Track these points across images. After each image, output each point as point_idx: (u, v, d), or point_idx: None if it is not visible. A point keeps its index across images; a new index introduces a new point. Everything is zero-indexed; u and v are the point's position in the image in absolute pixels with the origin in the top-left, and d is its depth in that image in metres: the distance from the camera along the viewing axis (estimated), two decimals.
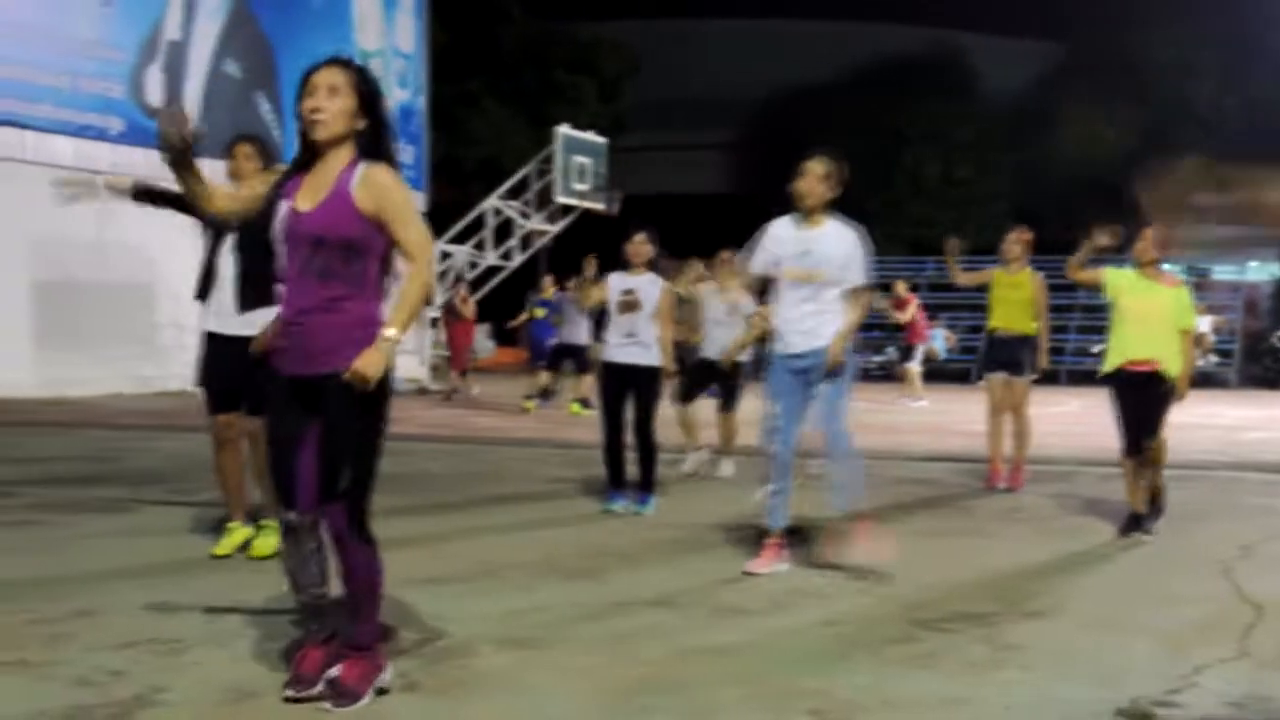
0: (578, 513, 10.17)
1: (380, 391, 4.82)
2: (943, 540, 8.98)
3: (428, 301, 4.98)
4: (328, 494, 4.80)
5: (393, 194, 4.85)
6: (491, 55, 42.00)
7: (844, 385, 7.76)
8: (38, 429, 16.86)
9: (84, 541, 8.74)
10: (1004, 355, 11.93)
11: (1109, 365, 9.52)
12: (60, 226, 22.70)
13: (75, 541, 8.73)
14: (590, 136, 33.96)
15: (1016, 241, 12.02)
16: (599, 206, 33.60)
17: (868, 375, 24.26)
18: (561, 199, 32.62)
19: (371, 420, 4.85)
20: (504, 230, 33.12)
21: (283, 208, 4.91)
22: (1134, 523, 9.38)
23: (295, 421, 4.92)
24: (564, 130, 32.82)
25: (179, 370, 23.27)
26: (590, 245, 31.34)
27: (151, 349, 23.65)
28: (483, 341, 36.87)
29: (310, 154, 4.95)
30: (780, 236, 7.86)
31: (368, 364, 4.67)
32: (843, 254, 7.71)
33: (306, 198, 4.88)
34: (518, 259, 33.20)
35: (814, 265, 7.68)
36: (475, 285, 31.08)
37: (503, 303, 35.22)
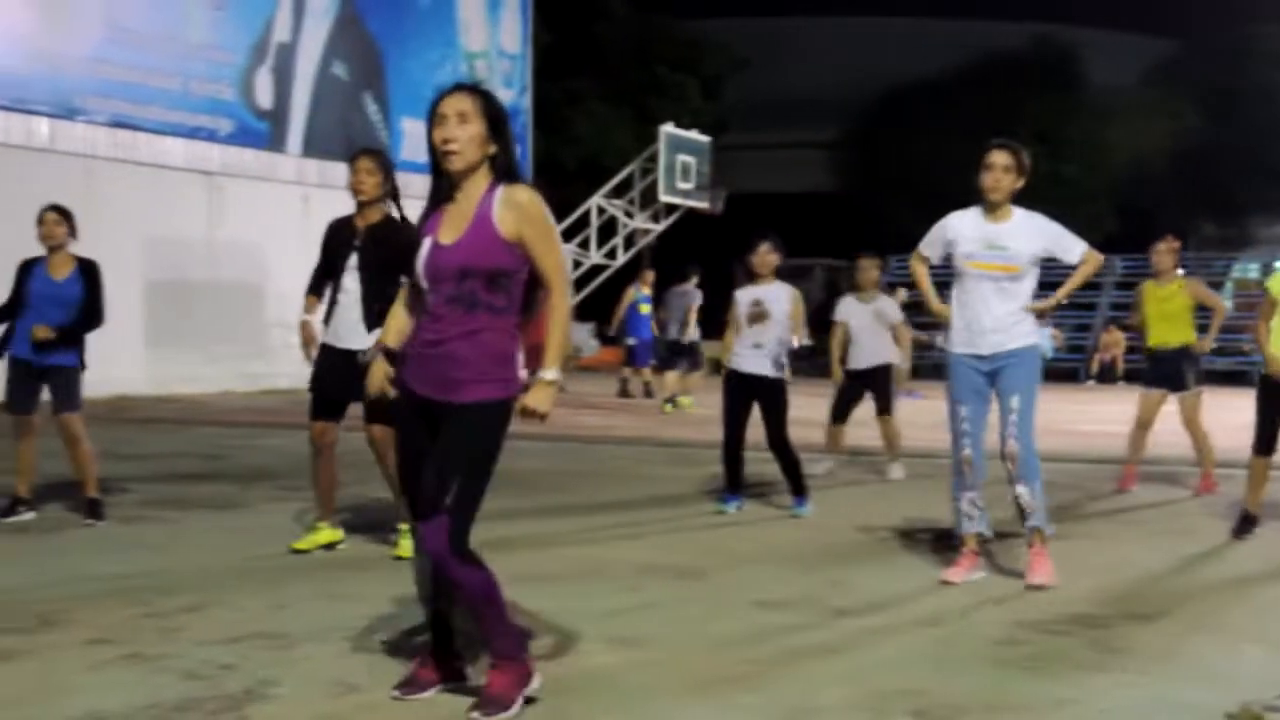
0: (683, 512, 10.17)
1: (503, 421, 4.86)
2: (1052, 542, 8.87)
3: None
4: (430, 509, 4.75)
5: (536, 217, 4.82)
6: (595, 54, 42.07)
7: (1034, 397, 7.48)
8: (150, 426, 17.13)
9: (194, 537, 8.89)
10: (1166, 371, 11.53)
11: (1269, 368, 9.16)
12: (172, 227, 23.14)
13: (186, 537, 8.88)
14: (694, 135, 33.93)
15: (1167, 252, 11.58)
16: (703, 205, 33.58)
17: None
18: (665, 198, 32.62)
19: (488, 446, 4.85)
20: (608, 229, 33.19)
21: (425, 245, 4.86)
22: (1248, 523, 9.23)
23: (424, 437, 4.91)
24: (667, 129, 32.82)
25: (287, 368, 23.55)
26: (694, 244, 31.48)
27: (260, 347, 23.97)
28: (587, 340, 36.95)
29: (448, 185, 4.90)
30: (963, 229, 7.55)
31: (539, 401, 4.76)
32: (1041, 241, 7.42)
33: (449, 231, 4.84)
34: (621, 258, 33.25)
35: (1008, 259, 7.37)
36: (579, 284, 31.17)
37: (607, 302, 35.33)
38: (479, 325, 4.78)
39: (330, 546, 8.18)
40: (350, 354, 7.84)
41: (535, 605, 6.50)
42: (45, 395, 9.30)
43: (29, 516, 9.31)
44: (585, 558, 8.09)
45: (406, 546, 7.94)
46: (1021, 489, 7.48)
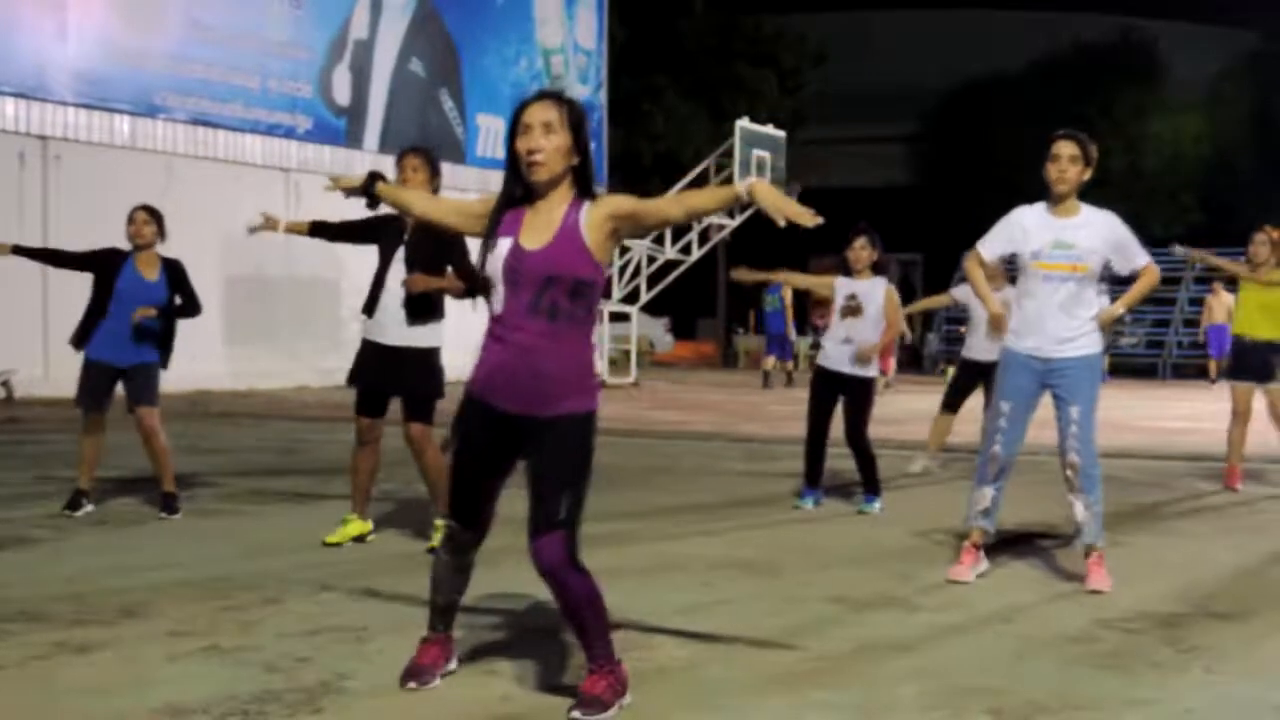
0: (757, 508, 10.16)
1: (594, 429, 4.89)
2: (1126, 538, 8.79)
3: None
4: (546, 526, 4.75)
5: (618, 199, 4.84)
6: (673, 49, 42.04)
7: (1094, 406, 7.30)
8: (228, 420, 17.31)
9: (273, 531, 8.96)
10: (1253, 362, 11.40)
11: None
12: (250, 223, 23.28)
13: (265, 531, 8.96)
14: (769, 130, 33.82)
15: (1264, 243, 11.36)
16: None
17: None
18: None
19: (586, 456, 4.88)
20: (682, 224, 33.13)
21: (503, 245, 4.80)
22: None
23: (496, 452, 4.93)
24: (743, 124, 32.73)
25: None
26: (768, 239, 31.63)
27: (336, 343, 24.11)
28: (661, 335, 36.93)
29: (524, 190, 4.86)
30: (1029, 225, 7.34)
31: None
32: (1110, 242, 7.24)
33: (531, 236, 4.78)
34: (696, 253, 33.21)
35: (1077, 258, 7.18)
36: (653, 279, 31.15)
37: (681, 297, 35.26)
38: (561, 335, 4.75)
39: (360, 539, 8.27)
40: (392, 349, 7.98)
41: (608, 599, 6.50)
42: (118, 391, 9.39)
43: (89, 509, 9.32)
44: (659, 553, 8.10)
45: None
46: (1078, 502, 7.36)
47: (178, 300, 9.37)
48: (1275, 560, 8.36)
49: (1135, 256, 7.32)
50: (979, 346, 12.14)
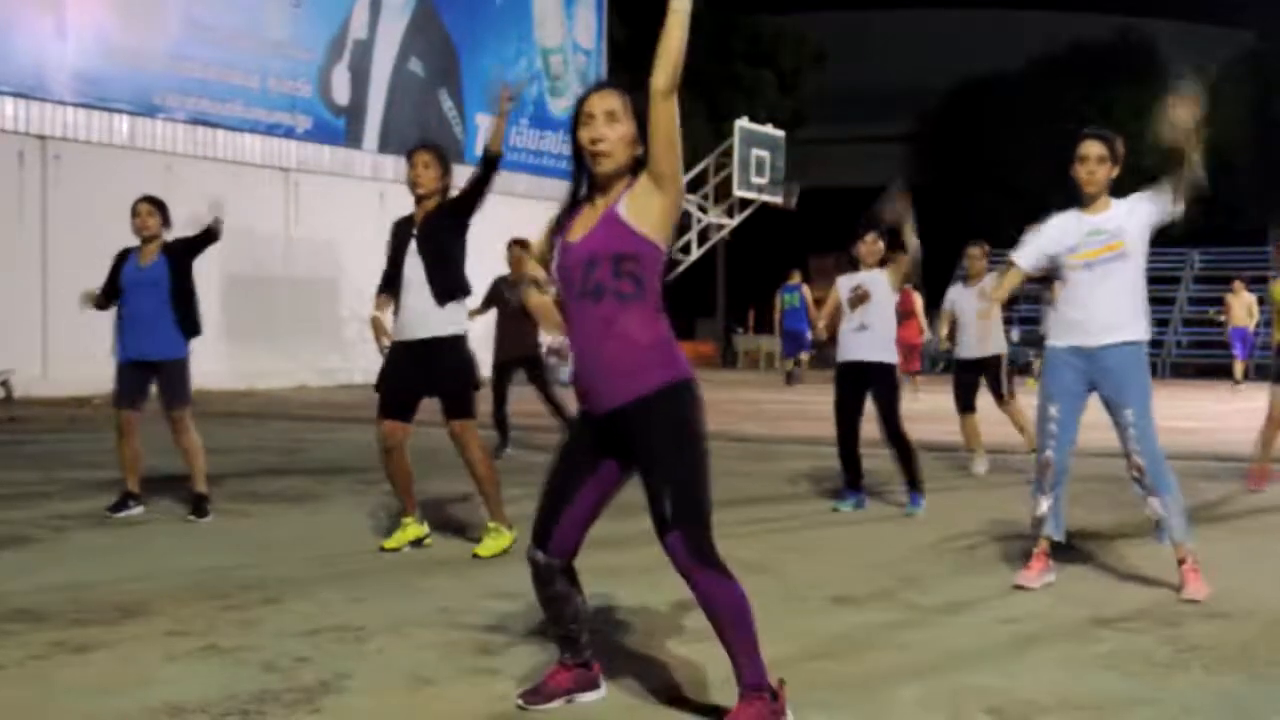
0: (756, 507, 10.14)
1: (685, 403, 4.64)
2: (1128, 539, 8.79)
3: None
4: (661, 528, 4.60)
5: (652, 164, 4.59)
6: None
7: (1149, 403, 7.15)
8: (228, 420, 17.28)
9: (273, 531, 8.96)
10: None
11: None
12: (250, 223, 23.35)
13: (264, 531, 8.96)
14: (768, 130, 33.87)
15: None
16: (776, 200, 33.49)
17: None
18: (740, 193, 32.56)
19: (693, 438, 4.63)
20: (681, 224, 33.15)
21: (558, 244, 4.69)
22: None
23: (580, 464, 4.78)
24: (742, 124, 32.77)
25: (363, 363, 23.76)
26: (767, 239, 31.73)
27: (336, 342, 24.16)
28: None
29: (589, 187, 4.72)
30: (1063, 229, 7.23)
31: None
32: (1141, 210, 7.12)
33: (578, 230, 4.64)
34: (696, 252, 33.23)
35: (1112, 237, 7.04)
36: None
37: (680, 297, 35.24)
38: (612, 316, 4.55)
39: (418, 543, 8.14)
40: (421, 343, 7.84)
41: (607, 598, 6.51)
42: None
43: (138, 511, 9.34)
44: (660, 553, 8.04)
45: (489, 545, 7.92)
46: (1154, 502, 7.18)
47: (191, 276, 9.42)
48: (1275, 559, 8.34)
49: (1165, 201, 7.11)
50: (968, 344, 12.25)
